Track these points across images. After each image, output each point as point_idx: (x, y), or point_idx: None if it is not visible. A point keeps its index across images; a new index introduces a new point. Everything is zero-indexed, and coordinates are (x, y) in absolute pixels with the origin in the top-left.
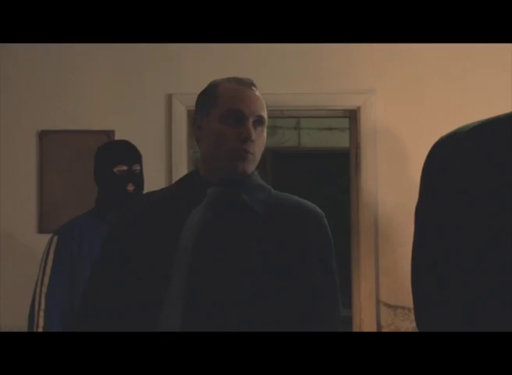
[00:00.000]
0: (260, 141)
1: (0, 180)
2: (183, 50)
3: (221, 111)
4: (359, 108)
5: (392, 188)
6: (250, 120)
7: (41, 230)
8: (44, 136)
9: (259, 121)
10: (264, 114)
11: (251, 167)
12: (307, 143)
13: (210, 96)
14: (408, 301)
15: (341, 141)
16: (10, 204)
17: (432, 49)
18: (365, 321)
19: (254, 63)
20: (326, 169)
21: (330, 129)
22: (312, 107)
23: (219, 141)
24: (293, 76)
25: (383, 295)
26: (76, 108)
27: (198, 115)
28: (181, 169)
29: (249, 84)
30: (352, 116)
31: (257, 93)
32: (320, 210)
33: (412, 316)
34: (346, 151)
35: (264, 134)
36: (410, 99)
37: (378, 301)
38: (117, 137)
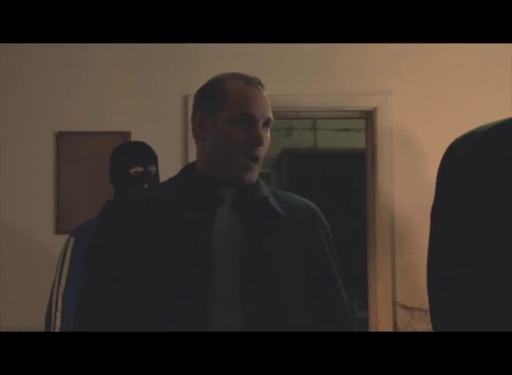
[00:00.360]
0: (266, 143)
1: (17, 181)
2: (200, 51)
3: (231, 113)
4: (375, 109)
5: (408, 189)
6: (260, 123)
7: (58, 231)
8: (61, 137)
9: (267, 123)
10: (271, 115)
11: (256, 176)
12: (323, 144)
13: (218, 95)
14: (425, 302)
15: (357, 142)
16: (27, 205)
17: (449, 50)
18: (382, 323)
19: (270, 64)
20: (342, 170)
21: (346, 130)
22: (328, 108)
23: (229, 143)
24: (308, 77)
25: (400, 297)
26: (92, 109)
27: (202, 113)
28: None
29: (257, 84)
30: (368, 117)
31: (264, 93)
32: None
33: (429, 318)
34: (363, 152)
35: (269, 135)
36: (427, 100)
37: (394, 303)
38: (133, 138)
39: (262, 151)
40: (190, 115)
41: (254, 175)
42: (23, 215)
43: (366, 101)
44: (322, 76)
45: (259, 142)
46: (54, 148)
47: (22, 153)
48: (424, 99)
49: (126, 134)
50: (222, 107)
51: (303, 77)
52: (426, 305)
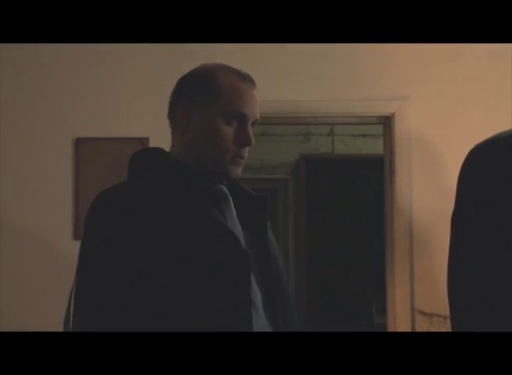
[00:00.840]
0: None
1: (36, 187)
2: (216, 53)
3: (224, 108)
4: (393, 114)
5: (426, 195)
6: (249, 122)
7: (77, 236)
8: (79, 143)
9: (253, 123)
10: (259, 116)
11: (241, 171)
12: (340, 150)
13: (210, 88)
14: (444, 308)
15: (375, 147)
16: (46, 211)
17: (468, 54)
18: (400, 329)
19: (287, 69)
20: (360, 176)
21: (364, 135)
22: (346, 114)
23: (218, 139)
24: (326, 83)
25: (418, 303)
26: (111, 115)
27: (189, 103)
28: None
29: (251, 82)
30: (386, 123)
31: (255, 92)
32: None
33: (448, 324)
34: (380, 158)
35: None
36: (446, 105)
37: (413, 309)
38: (151, 144)
39: (247, 150)
40: None
41: (240, 169)
42: (41, 220)
43: (384, 106)
44: (340, 82)
45: (248, 142)
46: (72, 153)
47: (41, 159)
48: (442, 105)
49: (144, 140)
50: (213, 100)
51: (320, 83)
52: (445, 311)
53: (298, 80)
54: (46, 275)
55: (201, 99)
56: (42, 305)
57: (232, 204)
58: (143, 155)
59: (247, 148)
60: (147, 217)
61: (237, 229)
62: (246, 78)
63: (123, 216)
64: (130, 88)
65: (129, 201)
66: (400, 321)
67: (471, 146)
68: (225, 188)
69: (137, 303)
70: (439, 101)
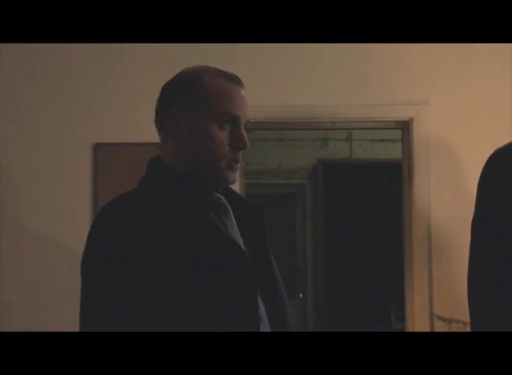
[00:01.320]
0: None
1: (55, 192)
2: (235, 54)
3: (216, 112)
4: (412, 119)
5: (445, 200)
6: (242, 125)
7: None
8: (98, 148)
9: (245, 124)
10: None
11: (237, 177)
12: (358, 155)
13: (198, 93)
14: (463, 314)
15: (393, 152)
16: (65, 216)
17: (487, 58)
18: None
19: (305, 74)
20: (378, 181)
21: (382, 140)
22: (364, 118)
23: (212, 144)
24: (344, 87)
25: (437, 308)
26: (129, 120)
27: (178, 110)
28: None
29: (239, 82)
30: (404, 128)
31: (243, 93)
32: None
33: (467, 329)
34: (399, 163)
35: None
36: (465, 110)
37: (432, 314)
38: None
39: (241, 154)
40: None
41: (237, 175)
42: (60, 225)
43: (402, 111)
44: (358, 87)
45: (243, 145)
46: (91, 159)
47: (60, 164)
48: (461, 109)
49: (161, 145)
50: (203, 105)
51: (338, 88)
52: (464, 317)
53: (316, 84)
54: (64, 280)
55: (191, 105)
56: (60, 309)
57: (231, 214)
58: (154, 161)
59: (241, 152)
60: (149, 230)
61: (238, 239)
62: (233, 79)
63: (126, 229)
64: (148, 93)
65: (130, 213)
66: (418, 327)
67: (490, 151)
68: (223, 198)
69: (140, 317)
70: (458, 106)
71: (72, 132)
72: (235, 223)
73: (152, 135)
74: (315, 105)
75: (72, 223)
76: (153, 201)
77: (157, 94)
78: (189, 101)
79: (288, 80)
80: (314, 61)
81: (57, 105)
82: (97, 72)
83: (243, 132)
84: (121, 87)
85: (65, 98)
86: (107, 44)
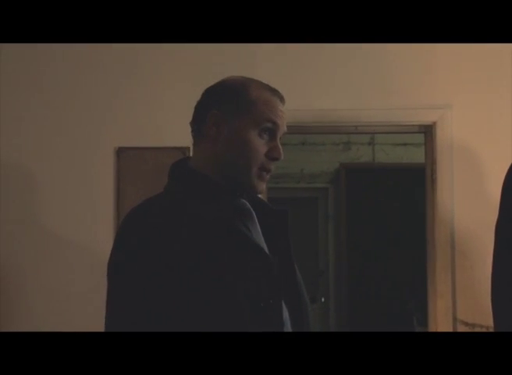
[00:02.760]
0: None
1: (79, 197)
2: (257, 59)
3: (257, 120)
4: (434, 123)
5: (469, 204)
6: (279, 137)
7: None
8: (121, 153)
9: (281, 138)
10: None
11: (265, 187)
12: (381, 159)
13: (242, 97)
14: (487, 319)
15: (416, 156)
16: (88, 220)
17: (510, 61)
18: None
19: (328, 78)
20: (400, 185)
21: (405, 144)
22: (387, 122)
23: (249, 150)
24: (366, 91)
25: (460, 313)
26: (152, 125)
27: (220, 112)
28: None
29: (281, 98)
30: (427, 132)
31: (282, 108)
32: None
33: None
34: (421, 167)
35: None
36: (488, 114)
37: (455, 319)
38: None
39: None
40: None
41: (265, 186)
42: (83, 229)
43: (425, 115)
44: (381, 91)
45: (278, 157)
46: (114, 163)
47: (83, 169)
48: (485, 113)
49: (184, 150)
50: (246, 111)
51: (361, 92)
52: (487, 322)
53: (338, 88)
54: (87, 283)
55: (233, 110)
56: (83, 311)
57: (256, 220)
58: (179, 165)
59: (273, 164)
60: (174, 235)
61: (263, 244)
62: (276, 92)
63: (152, 233)
64: (171, 98)
65: (156, 217)
66: (441, 331)
67: None
68: (248, 203)
69: (164, 319)
70: (481, 110)
71: (96, 136)
72: (259, 228)
73: (175, 139)
74: (338, 109)
75: (96, 227)
76: (179, 206)
77: (179, 99)
78: (231, 105)
79: (310, 84)
80: (336, 65)
81: (80, 109)
82: (121, 76)
83: (279, 143)
84: (144, 91)
85: (89, 102)
86: (130, 45)
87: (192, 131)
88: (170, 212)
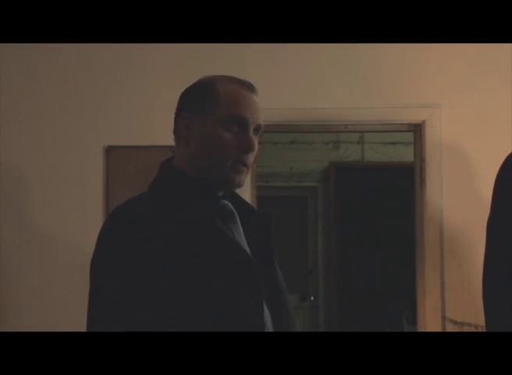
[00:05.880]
0: (256, 149)
1: (67, 195)
2: (247, 59)
3: (223, 114)
4: (424, 122)
5: (458, 203)
6: (251, 128)
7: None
8: (110, 151)
9: (257, 130)
10: (262, 122)
11: (244, 179)
12: (370, 157)
13: (208, 95)
14: (475, 317)
15: (405, 155)
16: (77, 218)
17: (500, 61)
18: None
19: (317, 77)
20: (390, 184)
21: (394, 143)
22: (376, 121)
23: (218, 146)
24: (356, 90)
25: (449, 312)
26: (142, 123)
27: (188, 113)
28: (245, 184)
29: (252, 88)
30: (417, 130)
31: (257, 99)
32: None
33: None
34: (411, 166)
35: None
36: (477, 113)
37: (443, 318)
38: None
39: (252, 158)
40: None
41: (243, 178)
42: (72, 228)
43: (414, 114)
44: (370, 90)
45: (250, 148)
46: (103, 161)
47: (72, 167)
48: (474, 112)
49: (174, 148)
50: (212, 108)
51: (350, 90)
52: (476, 320)
53: (328, 87)
54: (76, 281)
55: (200, 108)
56: (71, 309)
57: (238, 221)
58: (163, 164)
59: (250, 155)
60: (156, 234)
61: (245, 246)
62: (245, 84)
63: (134, 232)
64: (160, 96)
65: (139, 216)
66: (430, 330)
67: (503, 153)
68: (230, 205)
69: (145, 318)
70: (470, 109)
71: (85, 135)
72: (241, 230)
73: (164, 138)
74: (327, 107)
75: (85, 226)
76: (161, 205)
77: (169, 97)
78: (198, 105)
79: (300, 83)
80: (325, 64)
81: (69, 107)
82: (110, 74)
83: (252, 135)
84: (133, 89)
85: (78, 101)
86: (119, 45)
87: (173, 134)
88: (152, 211)
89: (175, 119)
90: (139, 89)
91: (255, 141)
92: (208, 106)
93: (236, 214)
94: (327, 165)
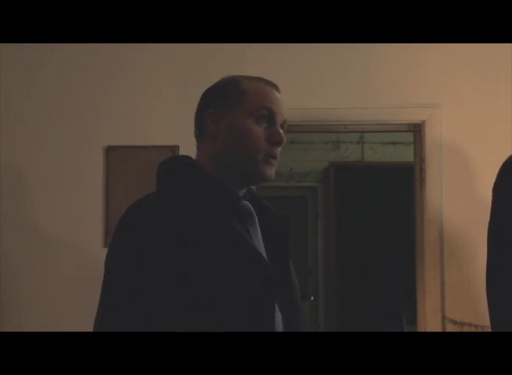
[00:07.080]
0: (284, 144)
1: (67, 195)
2: (249, 60)
3: (251, 107)
4: (423, 122)
5: (458, 203)
6: (278, 122)
7: (107, 244)
8: (110, 151)
9: (282, 126)
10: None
11: (274, 173)
12: (370, 157)
13: (234, 91)
14: (475, 317)
15: (405, 155)
16: (77, 219)
17: (500, 60)
18: None
19: (317, 77)
20: (390, 184)
21: (394, 143)
22: (376, 121)
23: (250, 140)
24: (356, 90)
25: (449, 312)
26: (142, 123)
27: (215, 109)
28: None
29: (275, 86)
30: (416, 131)
31: (279, 96)
32: None
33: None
34: (410, 166)
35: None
36: (477, 113)
37: (443, 318)
38: (181, 152)
39: (278, 153)
40: None
41: (273, 170)
42: (72, 228)
43: (414, 114)
44: (370, 90)
45: (279, 141)
46: (103, 162)
47: (71, 167)
48: (474, 112)
49: (174, 148)
50: (239, 103)
51: (350, 91)
52: (476, 320)
53: (327, 87)
54: (77, 282)
55: (228, 104)
56: (72, 310)
57: (257, 222)
58: (171, 163)
59: (278, 150)
60: (173, 233)
61: (261, 248)
62: (269, 82)
63: (149, 230)
64: (161, 96)
65: (155, 214)
66: (430, 330)
67: (503, 153)
68: (250, 205)
69: (157, 318)
70: (470, 109)
71: (85, 135)
72: (259, 232)
73: (164, 138)
74: (327, 108)
75: (85, 226)
76: (180, 204)
77: (168, 97)
78: (226, 100)
79: (300, 84)
80: (325, 64)
81: (70, 107)
82: (109, 74)
83: (279, 128)
84: (133, 89)
85: (78, 101)
86: (119, 45)
87: (195, 136)
88: (170, 210)
89: (197, 117)
90: (139, 89)
91: (283, 134)
92: (235, 102)
93: (255, 215)
94: (327, 165)
